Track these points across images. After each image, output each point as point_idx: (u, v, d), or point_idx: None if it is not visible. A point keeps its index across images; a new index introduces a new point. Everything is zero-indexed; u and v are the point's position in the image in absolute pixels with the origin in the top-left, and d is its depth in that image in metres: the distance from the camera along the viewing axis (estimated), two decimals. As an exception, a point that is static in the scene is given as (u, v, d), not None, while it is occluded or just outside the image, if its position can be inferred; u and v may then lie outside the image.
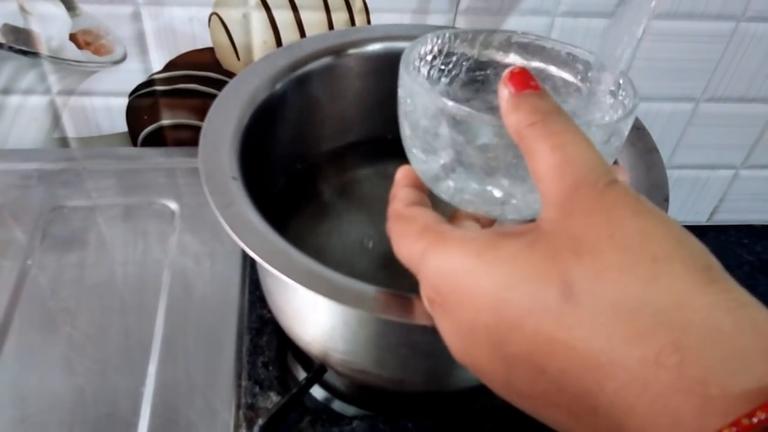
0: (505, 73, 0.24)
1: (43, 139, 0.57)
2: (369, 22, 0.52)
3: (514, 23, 0.52)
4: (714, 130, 0.61)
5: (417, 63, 0.31)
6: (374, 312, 0.28)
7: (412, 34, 0.45)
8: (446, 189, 0.28)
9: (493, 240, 0.21)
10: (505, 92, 0.23)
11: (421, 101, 0.27)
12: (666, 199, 0.35)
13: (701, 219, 0.69)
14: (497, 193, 0.27)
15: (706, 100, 0.59)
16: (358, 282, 0.29)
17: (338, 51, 0.45)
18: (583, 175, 0.20)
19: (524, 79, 0.23)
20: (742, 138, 0.62)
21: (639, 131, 0.39)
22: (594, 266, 0.18)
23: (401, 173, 0.29)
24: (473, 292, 0.20)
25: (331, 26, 0.52)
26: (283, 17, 0.51)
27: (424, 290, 0.24)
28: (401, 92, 0.29)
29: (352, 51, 0.45)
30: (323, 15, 0.51)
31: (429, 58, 0.32)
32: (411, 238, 0.24)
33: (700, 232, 0.74)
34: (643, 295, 0.17)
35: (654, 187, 0.36)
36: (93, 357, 0.42)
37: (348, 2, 0.51)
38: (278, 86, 0.41)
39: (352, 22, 0.52)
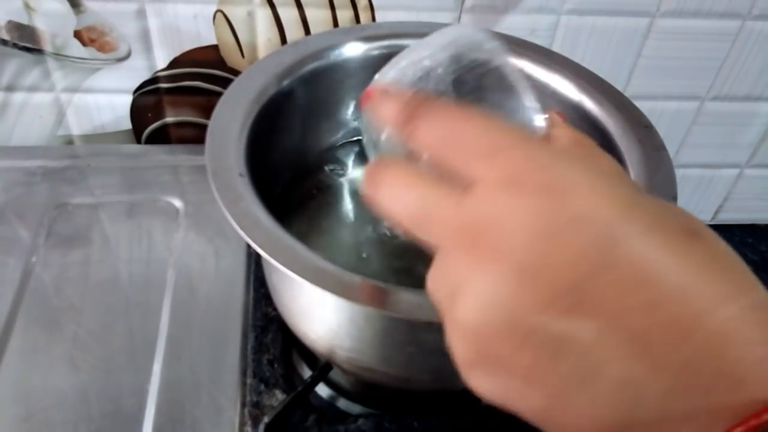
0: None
1: (47, 137, 0.57)
2: (374, 19, 0.52)
3: (519, 21, 0.52)
4: (719, 129, 0.61)
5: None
6: (381, 309, 0.28)
7: (418, 31, 0.45)
8: None
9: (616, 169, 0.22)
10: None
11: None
12: (674, 198, 0.35)
13: (706, 218, 0.69)
14: None
15: (711, 99, 0.59)
16: (365, 278, 0.29)
17: (344, 48, 0.45)
18: None
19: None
20: (747, 137, 0.62)
21: (647, 129, 0.39)
22: (701, 224, 0.19)
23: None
24: (596, 188, 0.18)
25: (336, 24, 0.52)
26: (288, 15, 0.51)
27: (508, 170, 0.19)
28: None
29: (357, 48, 0.45)
30: (328, 12, 0.51)
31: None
32: (495, 127, 0.20)
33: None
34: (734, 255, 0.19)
35: (662, 185, 0.35)
36: (98, 355, 0.42)
37: (353, 0, 0.51)
38: (284, 83, 0.41)
39: (357, 19, 0.52)
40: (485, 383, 0.20)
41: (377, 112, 0.23)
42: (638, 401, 0.17)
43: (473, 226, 0.19)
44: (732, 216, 0.69)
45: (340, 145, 0.48)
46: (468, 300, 0.19)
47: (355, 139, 0.49)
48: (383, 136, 0.26)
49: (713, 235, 0.19)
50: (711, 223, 0.69)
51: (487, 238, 0.18)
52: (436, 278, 0.21)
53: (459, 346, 0.20)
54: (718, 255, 0.18)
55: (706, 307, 0.17)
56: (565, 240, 0.18)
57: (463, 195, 0.19)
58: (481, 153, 0.20)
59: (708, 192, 0.66)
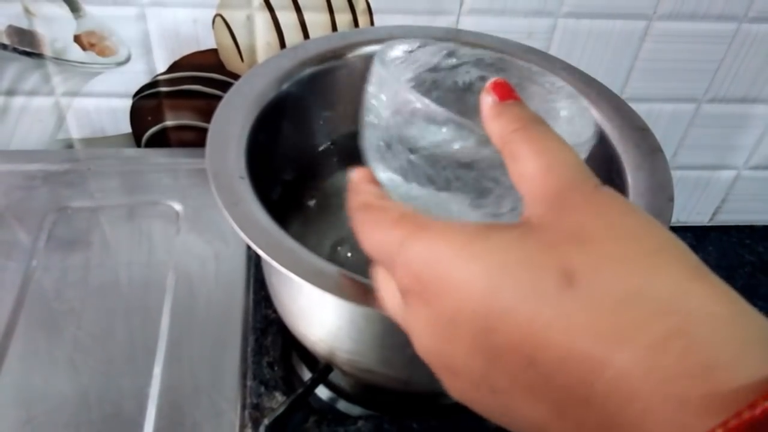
0: (488, 83, 0.25)
1: (47, 140, 0.57)
2: (372, 23, 0.52)
3: (516, 24, 0.52)
4: (716, 131, 0.61)
5: (394, 62, 0.31)
6: (381, 310, 0.28)
7: (416, 35, 0.46)
8: (401, 193, 0.27)
9: (482, 230, 0.20)
10: (488, 100, 0.24)
11: (393, 96, 0.26)
12: (671, 199, 0.35)
13: (703, 219, 0.69)
14: (454, 207, 0.26)
15: (708, 101, 0.59)
16: (366, 279, 0.29)
17: (342, 52, 0.45)
18: (572, 176, 0.21)
19: (507, 90, 0.24)
20: (744, 138, 0.62)
21: (643, 132, 0.39)
22: (594, 255, 0.18)
23: (360, 174, 0.27)
24: (462, 278, 0.20)
25: (334, 27, 0.52)
26: (287, 19, 0.51)
27: (400, 279, 0.22)
28: (372, 89, 0.28)
29: (356, 52, 0.45)
30: (326, 16, 0.52)
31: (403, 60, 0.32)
32: (386, 226, 0.23)
33: (702, 232, 0.74)
34: (644, 284, 0.17)
35: (659, 187, 0.36)
36: (98, 358, 0.42)
37: (351, 3, 0.51)
38: (284, 87, 0.41)
39: (356, 23, 0.52)
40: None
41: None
42: None
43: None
44: (730, 217, 0.69)
45: (340, 148, 0.49)
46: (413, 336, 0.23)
47: (354, 143, 0.49)
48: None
49: (594, 269, 0.18)
50: (709, 224, 0.69)
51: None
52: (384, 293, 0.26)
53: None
54: (606, 293, 0.17)
55: (600, 359, 0.17)
56: (454, 336, 0.20)
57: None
58: (387, 262, 0.23)
59: (706, 194, 0.67)
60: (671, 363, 0.16)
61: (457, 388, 0.22)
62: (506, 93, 0.24)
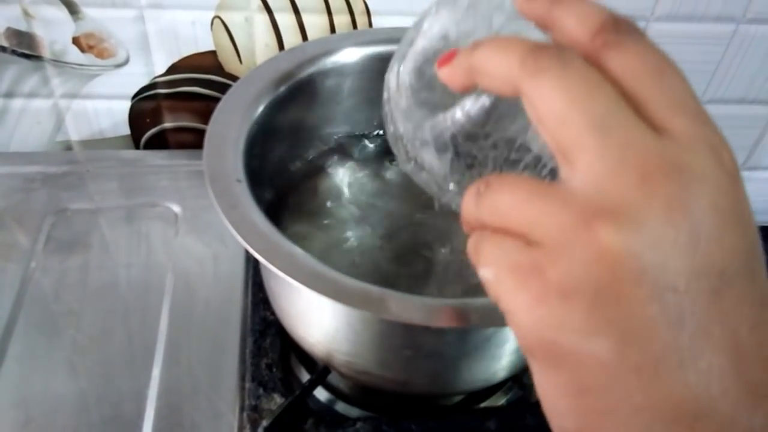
0: None
1: (46, 143, 0.57)
2: (371, 24, 0.52)
3: (515, 25, 0.52)
4: (714, 132, 0.61)
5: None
6: (378, 313, 0.28)
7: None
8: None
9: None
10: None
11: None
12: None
13: (702, 220, 0.69)
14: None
15: (706, 102, 0.59)
16: (362, 283, 0.29)
17: (340, 54, 0.45)
18: None
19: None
20: (743, 139, 0.62)
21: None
22: None
23: None
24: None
25: (333, 29, 0.52)
26: (285, 20, 0.51)
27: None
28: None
29: (354, 54, 0.45)
30: (325, 18, 0.52)
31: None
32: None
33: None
34: None
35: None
36: (97, 360, 0.42)
37: (349, 5, 0.51)
38: (281, 89, 0.41)
39: (354, 24, 0.52)
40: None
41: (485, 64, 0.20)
42: None
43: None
44: (728, 218, 0.69)
45: (339, 149, 0.49)
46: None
47: (352, 144, 0.49)
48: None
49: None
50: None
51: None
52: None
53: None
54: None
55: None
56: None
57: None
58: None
59: (704, 194, 0.67)
60: None
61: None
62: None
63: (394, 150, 0.29)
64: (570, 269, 0.17)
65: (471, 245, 0.20)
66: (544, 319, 0.17)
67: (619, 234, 0.16)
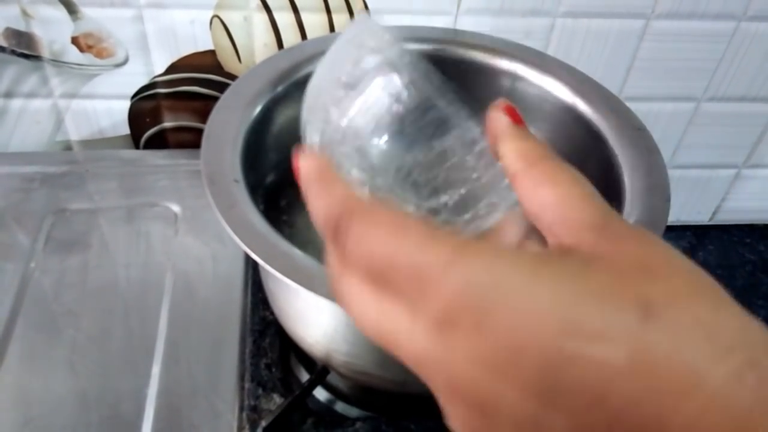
0: (498, 102, 0.24)
1: (46, 143, 0.57)
2: (370, 23, 0.52)
3: (514, 24, 0.52)
4: (715, 130, 0.61)
5: None
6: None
7: (414, 35, 0.45)
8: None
9: (541, 257, 0.19)
10: (504, 119, 0.24)
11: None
12: (667, 200, 0.35)
13: (703, 218, 0.69)
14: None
15: (708, 100, 0.59)
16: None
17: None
18: (607, 206, 0.20)
19: (518, 116, 0.24)
20: (744, 137, 0.62)
21: (640, 132, 0.39)
22: (667, 286, 0.18)
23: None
24: (530, 309, 0.17)
25: (332, 28, 0.52)
26: (284, 19, 0.51)
27: (438, 308, 0.19)
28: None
29: (353, 53, 0.45)
30: (324, 17, 0.52)
31: None
32: (425, 243, 0.19)
33: (702, 231, 0.73)
34: (715, 316, 0.17)
35: (655, 188, 0.36)
36: (96, 359, 0.42)
37: (348, 3, 0.51)
38: (279, 89, 0.41)
39: (353, 23, 0.52)
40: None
41: (308, 203, 0.23)
42: None
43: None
44: (730, 216, 0.69)
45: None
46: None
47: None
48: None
49: (668, 302, 0.17)
50: (709, 223, 0.69)
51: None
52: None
53: None
54: (684, 326, 0.17)
55: (679, 394, 0.16)
56: (510, 372, 0.18)
57: (414, 323, 0.19)
58: (413, 286, 0.19)
59: (706, 193, 0.67)
60: (746, 396, 0.16)
61: (476, 426, 0.19)
62: (518, 119, 0.24)
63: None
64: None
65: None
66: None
67: None
